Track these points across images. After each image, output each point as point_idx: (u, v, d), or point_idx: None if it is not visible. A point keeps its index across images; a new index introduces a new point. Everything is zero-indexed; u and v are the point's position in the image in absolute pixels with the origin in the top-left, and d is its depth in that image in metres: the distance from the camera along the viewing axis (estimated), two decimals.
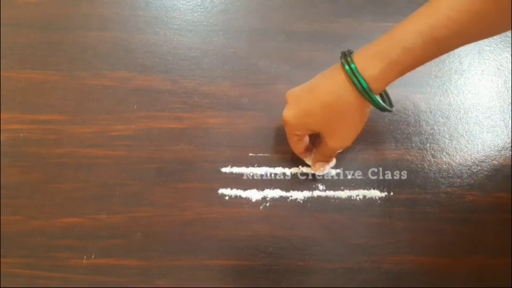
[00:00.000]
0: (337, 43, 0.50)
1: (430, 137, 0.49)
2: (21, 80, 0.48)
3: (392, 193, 0.46)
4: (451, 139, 0.49)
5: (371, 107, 0.37)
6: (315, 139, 0.43)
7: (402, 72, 0.34)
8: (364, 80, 0.33)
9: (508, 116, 0.50)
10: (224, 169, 0.46)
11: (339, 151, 0.42)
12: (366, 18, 0.52)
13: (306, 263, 0.43)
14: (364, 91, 0.34)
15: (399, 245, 0.44)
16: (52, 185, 0.44)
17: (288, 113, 0.38)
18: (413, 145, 0.48)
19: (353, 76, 0.33)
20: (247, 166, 0.46)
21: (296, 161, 0.46)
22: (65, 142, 0.46)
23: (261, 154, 0.47)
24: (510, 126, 0.50)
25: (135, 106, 0.48)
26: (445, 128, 0.49)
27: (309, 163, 0.45)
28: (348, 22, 0.52)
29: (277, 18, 0.52)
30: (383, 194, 0.46)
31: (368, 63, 0.33)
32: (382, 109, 0.36)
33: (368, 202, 0.45)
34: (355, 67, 0.33)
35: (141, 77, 0.49)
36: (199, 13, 0.53)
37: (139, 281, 0.41)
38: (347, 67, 0.34)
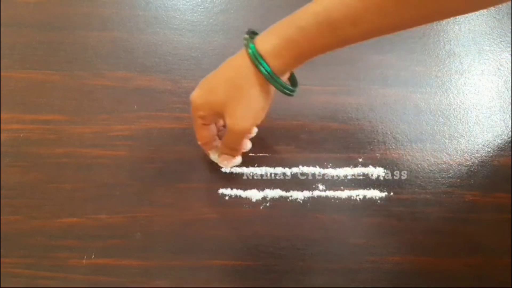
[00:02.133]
0: None
1: (430, 137, 0.49)
2: (21, 80, 0.48)
3: (392, 193, 0.46)
4: (451, 139, 0.49)
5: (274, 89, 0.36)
6: (223, 134, 0.42)
7: (300, 53, 0.33)
8: (260, 54, 0.33)
9: (508, 116, 0.50)
10: (224, 169, 0.46)
11: (242, 137, 0.40)
12: None
13: (306, 263, 0.43)
14: (259, 63, 0.33)
15: (399, 245, 0.44)
16: (52, 185, 0.44)
17: (194, 94, 0.37)
18: (413, 145, 0.48)
19: (248, 48, 0.33)
20: (247, 166, 0.46)
21: (296, 161, 0.46)
22: (65, 142, 0.46)
23: (261, 154, 0.47)
24: (510, 126, 0.50)
25: (135, 106, 0.48)
26: (445, 128, 0.49)
27: (213, 158, 0.44)
28: None
29: (277, 18, 0.52)
30: (383, 194, 0.46)
31: (265, 38, 0.33)
32: (281, 88, 0.35)
33: (368, 202, 0.45)
34: (252, 40, 0.33)
35: (141, 77, 0.49)
36: (199, 13, 0.53)
37: (139, 281, 0.41)
38: (244, 41, 0.34)
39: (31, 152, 0.45)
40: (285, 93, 0.36)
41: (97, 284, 0.41)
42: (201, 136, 0.41)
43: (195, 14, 0.53)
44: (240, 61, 0.35)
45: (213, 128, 0.41)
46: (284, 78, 0.38)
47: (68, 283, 0.41)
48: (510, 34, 0.54)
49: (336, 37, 0.32)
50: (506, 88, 0.52)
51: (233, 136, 0.39)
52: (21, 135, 0.46)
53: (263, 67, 0.33)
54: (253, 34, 0.36)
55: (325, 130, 0.48)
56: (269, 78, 0.34)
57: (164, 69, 0.50)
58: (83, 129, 0.47)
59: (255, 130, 0.45)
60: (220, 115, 0.37)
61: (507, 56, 0.53)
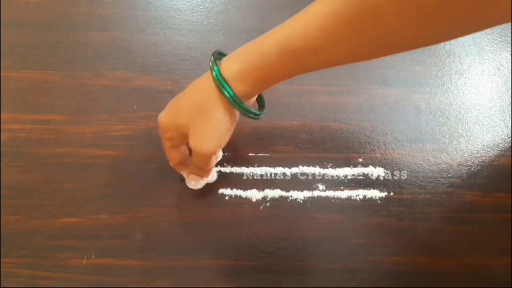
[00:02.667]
0: None
1: (430, 137, 0.49)
2: (21, 80, 0.48)
3: (392, 193, 0.46)
4: (451, 139, 0.49)
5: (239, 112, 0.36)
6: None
7: (263, 79, 0.34)
8: (224, 79, 0.33)
9: (508, 116, 0.50)
10: (224, 169, 0.46)
11: (208, 159, 0.39)
12: None
13: (306, 263, 0.43)
14: (222, 87, 0.33)
15: (399, 245, 0.44)
16: (52, 185, 0.44)
17: (161, 114, 0.37)
18: (413, 145, 0.48)
19: (215, 74, 0.34)
20: (247, 166, 0.46)
21: (296, 161, 0.46)
22: (65, 142, 0.46)
23: (261, 154, 0.47)
24: (510, 126, 0.50)
25: (135, 106, 0.48)
26: (445, 128, 0.49)
27: (187, 182, 0.43)
28: None
29: (277, 18, 0.52)
30: (383, 194, 0.46)
31: (230, 63, 0.34)
32: (245, 112, 0.36)
33: (368, 202, 0.45)
34: (217, 67, 0.34)
35: (141, 77, 0.49)
36: (199, 13, 0.53)
37: (139, 281, 0.41)
38: (210, 63, 0.34)
39: (31, 152, 0.45)
40: (250, 117, 0.37)
41: (97, 284, 0.41)
42: (171, 157, 0.41)
43: (195, 14, 0.53)
44: (205, 84, 0.35)
45: (183, 148, 0.41)
46: (252, 100, 0.38)
47: (68, 283, 0.41)
48: (510, 34, 0.54)
49: (297, 64, 0.32)
50: (506, 88, 0.52)
51: (199, 158, 0.38)
52: (21, 135, 0.46)
53: (227, 91, 0.34)
54: (220, 55, 0.36)
55: (325, 130, 0.48)
56: (232, 102, 0.34)
57: (164, 69, 0.50)
58: (83, 129, 0.47)
59: (220, 154, 0.44)
60: (186, 137, 0.37)
61: (507, 56, 0.53)
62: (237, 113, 0.37)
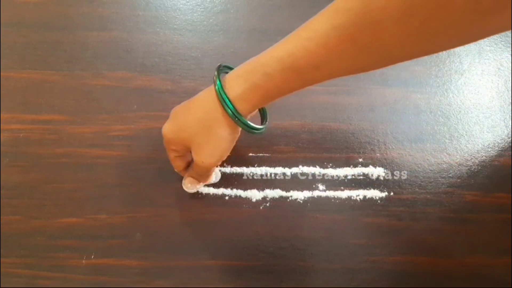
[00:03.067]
0: None
1: (430, 137, 0.49)
2: (21, 80, 0.48)
3: (392, 193, 0.46)
4: (451, 139, 0.49)
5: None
6: None
7: (267, 96, 0.34)
8: (228, 98, 0.34)
9: (508, 116, 0.50)
10: (224, 169, 0.46)
11: (209, 170, 0.40)
12: None
13: (306, 263, 0.43)
14: (225, 104, 0.34)
15: (399, 245, 0.44)
16: (52, 185, 0.44)
17: (165, 127, 0.38)
18: (413, 145, 0.48)
19: (218, 93, 0.34)
20: (247, 166, 0.46)
21: (296, 161, 0.46)
22: (65, 142, 0.46)
23: (261, 154, 0.47)
24: (510, 126, 0.50)
25: (135, 106, 0.48)
26: (445, 128, 0.49)
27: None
28: None
29: (277, 18, 0.52)
30: (383, 194, 0.46)
31: (234, 82, 0.34)
32: (247, 128, 0.36)
33: (368, 202, 0.45)
34: (220, 84, 0.34)
35: (141, 77, 0.49)
36: (199, 13, 0.53)
37: (139, 281, 0.41)
38: (214, 77, 0.35)
39: (31, 152, 0.45)
40: (252, 133, 0.37)
41: (97, 284, 0.41)
42: (176, 165, 0.42)
43: (195, 14, 0.53)
44: (209, 101, 0.35)
45: (188, 157, 0.42)
46: (254, 112, 0.38)
47: (68, 283, 0.41)
48: (510, 34, 0.54)
49: (301, 81, 0.32)
50: (506, 88, 0.52)
51: (200, 170, 0.40)
52: (21, 135, 0.46)
53: (229, 109, 0.34)
54: (226, 67, 0.37)
55: (325, 130, 0.48)
56: (235, 119, 0.35)
57: (164, 69, 0.50)
58: (83, 129, 0.47)
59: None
60: (190, 150, 0.38)
61: (507, 56, 0.53)
62: (239, 128, 0.37)
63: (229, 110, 0.34)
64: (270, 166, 0.46)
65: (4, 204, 0.43)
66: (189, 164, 0.42)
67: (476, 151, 0.49)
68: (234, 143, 0.38)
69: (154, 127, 0.47)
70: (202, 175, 0.42)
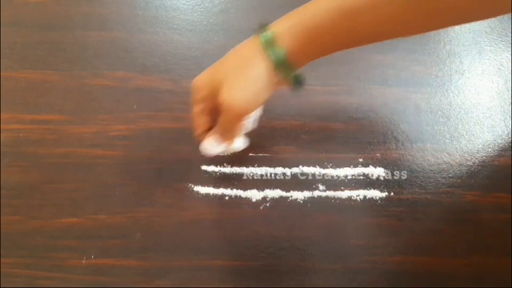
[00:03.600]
0: None
1: (430, 137, 0.49)
2: (21, 80, 0.48)
3: (392, 193, 0.46)
4: (451, 139, 0.49)
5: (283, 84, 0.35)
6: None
7: (312, 40, 0.32)
8: (275, 36, 0.32)
9: (508, 116, 0.50)
10: (224, 169, 0.46)
11: (238, 120, 0.36)
12: None
13: (306, 263, 0.43)
14: (269, 46, 0.32)
15: (399, 245, 0.44)
16: (52, 185, 0.44)
17: (198, 76, 0.37)
18: (413, 145, 0.48)
19: (263, 32, 0.33)
20: (247, 166, 0.46)
21: (296, 161, 0.46)
22: (65, 142, 0.46)
23: (261, 154, 0.47)
24: (510, 126, 0.50)
25: (135, 106, 0.48)
26: (445, 128, 0.49)
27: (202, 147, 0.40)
28: None
29: (277, 18, 0.52)
30: (383, 194, 0.46)
31: (281, 21, 0.33)
32: (287, 73, 0.34)
33: (368, 202, 0.45)
34: (266, 27, 0.33)
35: (141, 77, 0.49)
36: (199, 12, 0.53)
37: (139, 281, 0.41)
38: (258, 27, 0.33)
39: (31, 152, 0.45)
40: (291, 84, 0.35)
41: (96, 284, 0.41)
42: (198, 124, 0.39)
43: (195, 14, 0.53)
44: (248, 49, 0.34)
45: (214, 113, 0.38)
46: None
47: (67, 283, 0.41)
48: (510, 34, 0.54)
49: (350, 26, 0.31)
50: (506, 88, 0.52)
51: (227, 116, 0.35)
52: (21, 135, 0.46)
53: (273, 52, 0.32)
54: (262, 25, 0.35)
55: (325, 130, 0.48)
56: (277, 62, 0.33)
57: (164, 69, 0.50)
58: (82, 129, 0.47)
59: (251, 122, 0.41)
60: (218, 94, 0.35)
61: (507, 56, 0.53)
62: (276, 81, 0.35)
63: (271, 53, 0.32)
64: (270, 166, 0.46)
65: (4, 204, 0.43)
66: (212, 127, 0.39)
67: (476, 151, 0.49)
68: (268, 95, 0.35)
69: (154, 127, 0.47)
70: (229, 127, 0.37)
